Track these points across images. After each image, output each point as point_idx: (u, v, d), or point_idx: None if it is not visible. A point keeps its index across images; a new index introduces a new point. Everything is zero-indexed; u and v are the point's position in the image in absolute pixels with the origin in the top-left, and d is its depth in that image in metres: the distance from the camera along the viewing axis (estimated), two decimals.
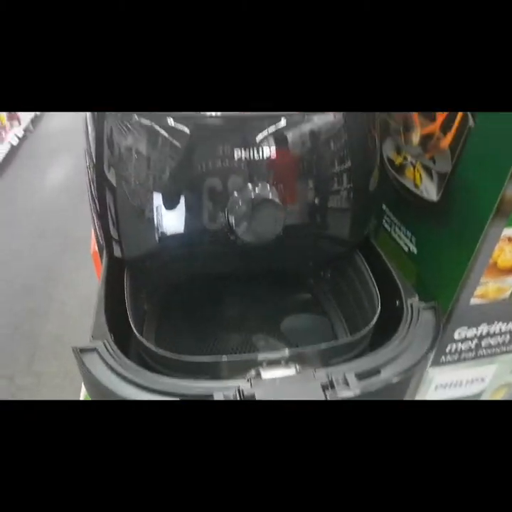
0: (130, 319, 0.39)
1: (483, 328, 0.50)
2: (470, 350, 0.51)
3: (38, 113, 3.20)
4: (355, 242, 0.48)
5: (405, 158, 0.53)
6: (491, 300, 0.48)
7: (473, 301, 0.47)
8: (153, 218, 0.40)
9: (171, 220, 0.40)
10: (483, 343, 0.52)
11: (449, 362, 0.52)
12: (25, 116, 3.00)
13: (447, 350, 0.50)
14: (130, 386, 0.33)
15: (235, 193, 0.37)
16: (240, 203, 0.36)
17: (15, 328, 1.61)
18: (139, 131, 0.36)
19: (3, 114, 2.71)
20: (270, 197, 0.35)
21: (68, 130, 3.12)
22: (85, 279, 1.80)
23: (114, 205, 0.42)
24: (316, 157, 0.38)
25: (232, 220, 0.37)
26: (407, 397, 0.42)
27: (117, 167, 0.40)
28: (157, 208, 0.39)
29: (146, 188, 0.39)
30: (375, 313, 0.42)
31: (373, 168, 0.43)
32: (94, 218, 0.46)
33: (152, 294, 0.55)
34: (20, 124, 2.91)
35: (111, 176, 0.41)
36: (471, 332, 0.50)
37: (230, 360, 0.36)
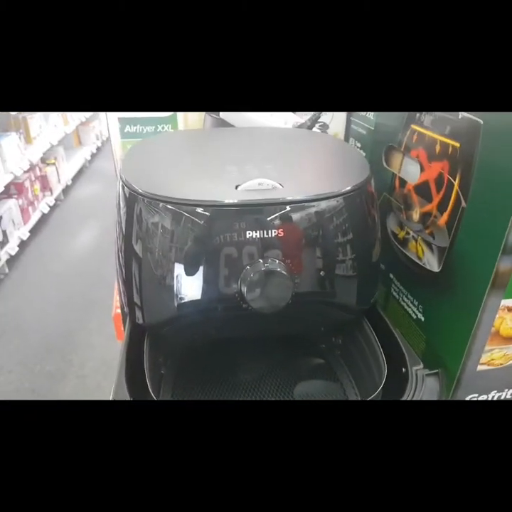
0: (148, 385, 0.42)
1: (494, 395, 0.51)
2: None
3: (69, 183, 3.43)
4: (362, 310, 0.50)
5: (408, 233, 0.57)
6: (498, 366, 0.49)
7: (480, 367, 0.48)
8: (173, 288, 0.44)
9: (190, 290, 0.43)
10: None
11: None
12: (57, 187, 3.22)
13: None
14: None
15: (248, 267, 0.41)
16: (252, 275, 0.40)
17: (32, 390, 1.63)
18: (164, 213, 0.42)
19: (37, 186, 2.91)
20: (278, 269, 0.39)
21: (95, 199, 3.32)
22: (103, 342, 1.84)
23: (139, 274, 0.46)
24: (321, 235, 0.43)
25: (244, 290, 0.41)
26: None
27: (144, 241, 0.45)
28: (177, 278, 0.43)
29: (168, 260, 0.43)
30: (382, 380, 0.44)
31: (374, 244, 0.47)
32: (120, 284, 0.50)
33: (169, 359, 0.58)
34: (52, 194, 3.11)
35: (137, 248, 0.45)
36: (482, 399, 0.51)
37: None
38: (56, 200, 3.17)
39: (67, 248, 2.62)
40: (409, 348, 0.47)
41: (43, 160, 3.04)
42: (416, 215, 0.54)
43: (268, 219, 0.39)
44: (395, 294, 0.62)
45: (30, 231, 2.66)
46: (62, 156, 3.36)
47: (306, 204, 0.40)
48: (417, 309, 0.56)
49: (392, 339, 0.48)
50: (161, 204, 0.41)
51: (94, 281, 2.22)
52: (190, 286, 0.43)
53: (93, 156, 4.11)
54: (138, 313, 0.47)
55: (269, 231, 0.40)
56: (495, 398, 0.52)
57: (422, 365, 0.45)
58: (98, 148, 4.25)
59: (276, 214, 0.40)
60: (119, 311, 1.24)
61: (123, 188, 0.44)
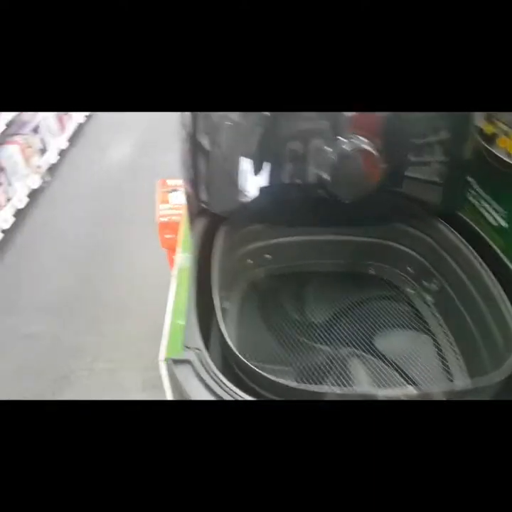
0: (222, 329, 0.37)
1: None
2: None
3: None
4: (447, 210, 0.45)
5: (498, 127, 0.50)
6: None
7: None
8: (240, 177, 0.40)
9: (260, 178, 0.40)
10: None
11: None
12: None
13: None
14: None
15: (326, 147, 0.36)
16: (334, 155, 0.35)
17: (79, 289, 1.69)
18: None
19: None
20: (367, 148, 0.34)
21: (130, 112, 3.22)
22: (140, 252, 1.84)
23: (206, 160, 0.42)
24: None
25: (323, 173, 0.36)
26: None
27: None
28: (247, 168, 0.40)
29: (243, 142, 0.40)
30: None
31: (470, 129, 0.41)
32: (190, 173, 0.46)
33: (231, 292, 0.52)
34: None
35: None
36: None
37: (342, 395, 0.31)
38: None
39: (105, 160, 2.58)
40: None
41: None
42: None
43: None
44: (472, 198, 0.56)
45: (68, 141, 2.63)
46: None
47: None
48: (499, 215, 0.51)
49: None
50: None
51: (132, 194, 2.20)
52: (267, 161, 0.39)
53: None
54: (202, 195, 0.43)
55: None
56: None
57: None
58: None
59: None
60: (163, 219, 1.24)
61: None
